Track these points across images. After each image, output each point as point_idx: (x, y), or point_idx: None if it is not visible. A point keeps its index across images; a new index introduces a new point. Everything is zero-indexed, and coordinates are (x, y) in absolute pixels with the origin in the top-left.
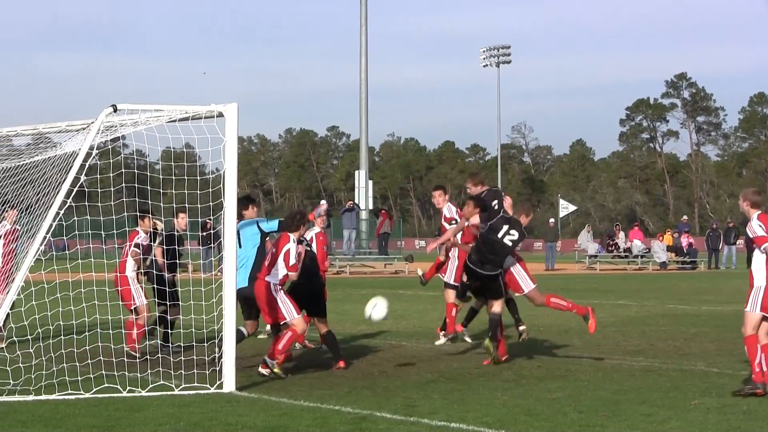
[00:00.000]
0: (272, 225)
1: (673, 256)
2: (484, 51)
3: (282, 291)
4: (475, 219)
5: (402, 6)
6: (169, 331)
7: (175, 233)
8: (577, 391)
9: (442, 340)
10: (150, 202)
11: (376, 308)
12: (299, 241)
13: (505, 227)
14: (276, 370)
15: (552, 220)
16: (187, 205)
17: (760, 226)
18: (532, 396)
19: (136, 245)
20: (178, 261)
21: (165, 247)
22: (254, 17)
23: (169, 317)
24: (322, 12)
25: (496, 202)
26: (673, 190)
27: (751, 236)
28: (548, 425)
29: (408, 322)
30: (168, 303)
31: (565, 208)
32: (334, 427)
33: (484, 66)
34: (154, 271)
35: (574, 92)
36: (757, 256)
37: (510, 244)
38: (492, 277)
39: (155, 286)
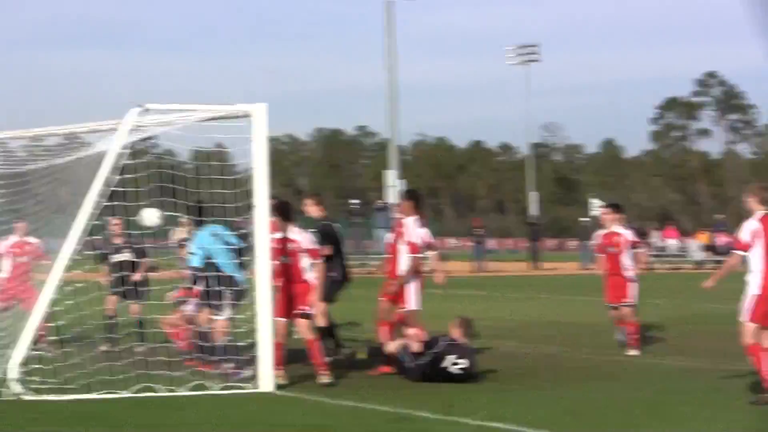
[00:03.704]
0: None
1: (709, 255)
2: (511, 49)
3: None
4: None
5: (430, 4)
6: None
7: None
8: (618, 391)
9: (635, 351)
10: (180, 201)
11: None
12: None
13: (452, 357)
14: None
15: (584, 218)
16: (217, 205)
17: (757, 228)
18: (572, 395)
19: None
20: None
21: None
22: (283, 16)
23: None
24: (350, 10)
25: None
26: (707, 188)
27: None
28: (589, 424)
29: (444, 321)
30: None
31: (597, 207)
32: (373, 426)
33: (512, 64)
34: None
35: (603, 90)
36: (756, 259)
37: (461, 372)
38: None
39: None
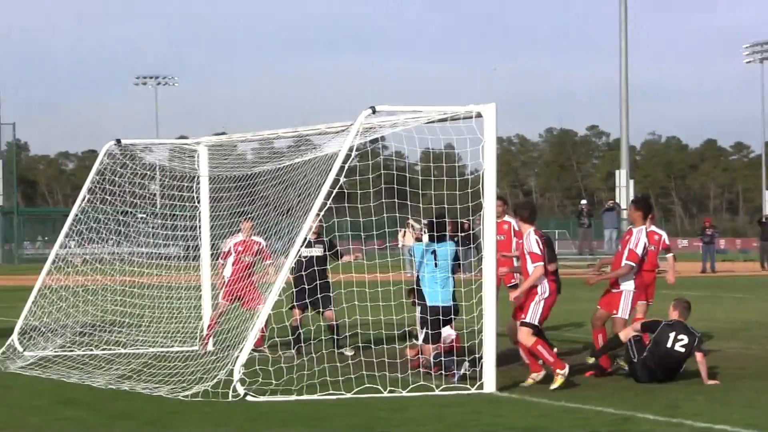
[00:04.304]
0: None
1: None
2: (747, 47)
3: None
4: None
5: (662, 3)
6: None
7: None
8: None
9: None
10: (409, 203)
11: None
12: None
13: (672, 334)
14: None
15: None
16: (446, 205)
17: None
18: None
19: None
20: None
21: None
22: (515, 18)
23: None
24: (582, 11)
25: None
26: None
27: None
28: None
29: None
30: None
31: None
32: (595, 428)
33: (748, 62)
34: None
35: None
36: None
37: (683, 350)
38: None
39: None
